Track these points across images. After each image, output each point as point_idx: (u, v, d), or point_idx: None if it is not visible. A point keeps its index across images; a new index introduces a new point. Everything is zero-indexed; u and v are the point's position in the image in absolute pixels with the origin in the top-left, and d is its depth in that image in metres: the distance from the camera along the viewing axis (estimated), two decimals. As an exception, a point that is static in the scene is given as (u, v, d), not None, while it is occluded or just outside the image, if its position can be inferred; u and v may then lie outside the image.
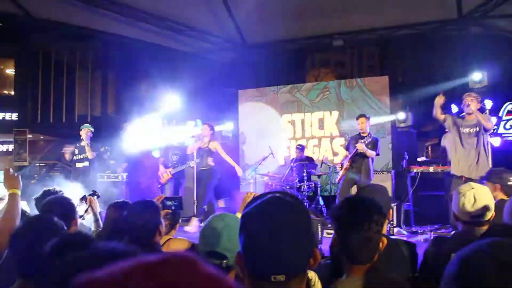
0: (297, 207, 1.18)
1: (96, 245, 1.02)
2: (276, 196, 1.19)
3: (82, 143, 8.59)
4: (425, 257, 2.53)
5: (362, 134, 7.55)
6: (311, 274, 1.96)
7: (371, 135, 7.57)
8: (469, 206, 2.49)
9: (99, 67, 13.62)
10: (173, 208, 3.40)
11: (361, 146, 7.12)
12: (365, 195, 2.64)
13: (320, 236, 5.19)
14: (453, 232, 5.27)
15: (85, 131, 8.56)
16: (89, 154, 8.51)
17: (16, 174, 2.84)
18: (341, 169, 7.51)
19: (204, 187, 8.19)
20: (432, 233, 6.42)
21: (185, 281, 0.62)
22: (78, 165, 8.66)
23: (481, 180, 4.16)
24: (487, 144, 6.20)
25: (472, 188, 2.55)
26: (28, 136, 12.76)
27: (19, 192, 2.76)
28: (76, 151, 8.69)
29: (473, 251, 0.95)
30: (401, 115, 9.72)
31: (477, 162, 6.03)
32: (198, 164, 8.32)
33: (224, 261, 1.77)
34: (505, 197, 3.69)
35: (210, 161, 8.17)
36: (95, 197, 4.10)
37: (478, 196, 2.51)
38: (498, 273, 0.89)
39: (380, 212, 1.80)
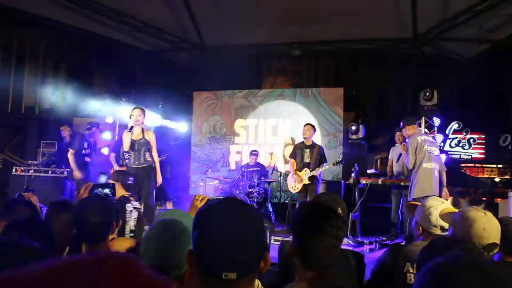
0: (250, 209, 1.21)
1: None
2: (231, 198, 1.24)
3: None
4: (382, 264, 2.55)
5: (306, 143, 7.70)
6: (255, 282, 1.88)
7: (314, 144, 7.77)
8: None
9: (51, 57, 13.08)
10: (105, 195, 3.23)
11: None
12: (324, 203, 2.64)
13: (268, 242, 5.19)
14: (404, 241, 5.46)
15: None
16: None
17: None
18: (300, 182, 7.57)
19: (146, 188, 6.50)
20: (377, 243, 6.54)
21: (122, 281, 0.59)
22: None
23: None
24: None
25: (442, 202, 2.59)
26: (-31, 124, 12.12)
27: None
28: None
29: (453, 263, 0.95)
30: (353, 127, 9.91)
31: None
32: (131, 160, 6.51)
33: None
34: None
35: (148, 156, 6.54)
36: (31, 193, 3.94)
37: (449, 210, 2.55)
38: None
39: (344, 220, 1.82)
